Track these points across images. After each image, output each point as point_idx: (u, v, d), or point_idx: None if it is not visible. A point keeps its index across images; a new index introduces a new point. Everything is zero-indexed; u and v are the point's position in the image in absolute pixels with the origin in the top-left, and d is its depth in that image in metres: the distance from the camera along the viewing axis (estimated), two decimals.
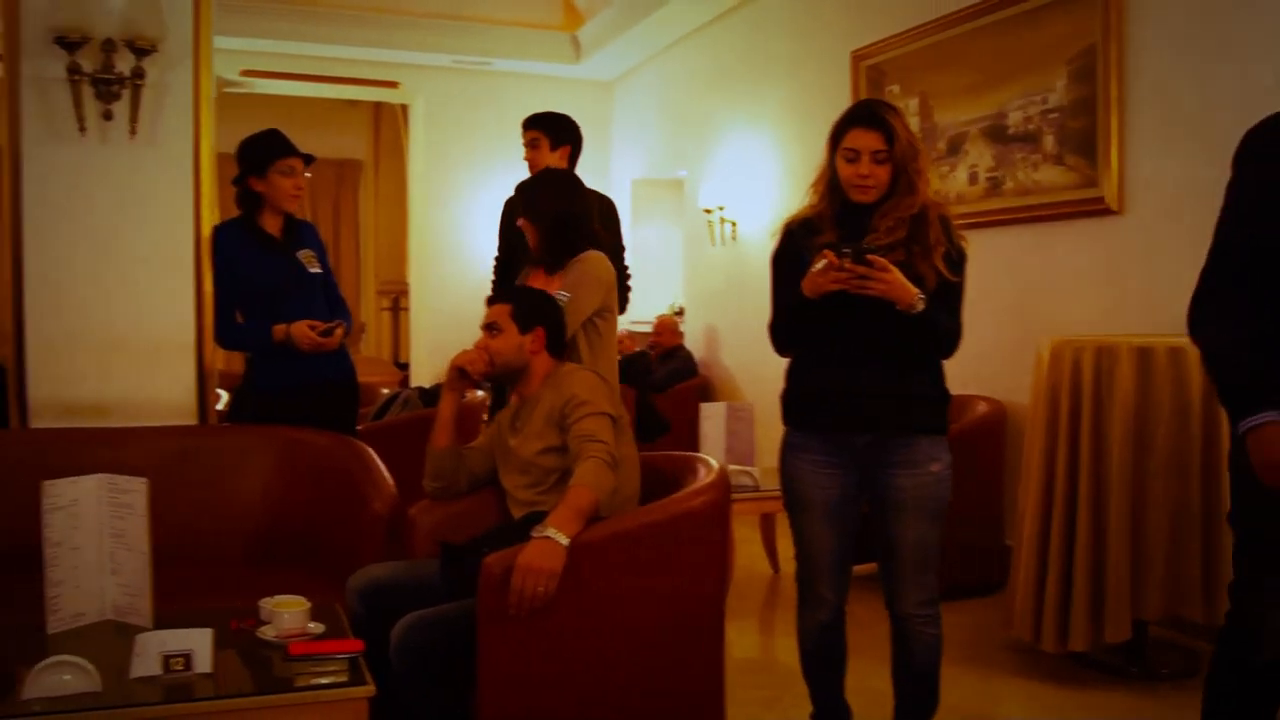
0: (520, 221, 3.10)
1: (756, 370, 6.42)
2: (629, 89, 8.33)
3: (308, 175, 3.46)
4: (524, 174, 3.64)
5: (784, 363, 2.63)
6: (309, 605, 2.29)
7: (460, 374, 2.77)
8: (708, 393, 6.79)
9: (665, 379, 6.80)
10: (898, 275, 2.31)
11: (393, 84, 7.57)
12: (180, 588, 2.45)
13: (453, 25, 7.27)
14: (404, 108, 8.20)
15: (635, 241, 7.17)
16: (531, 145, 3.98)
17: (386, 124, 9.07)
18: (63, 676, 1.95)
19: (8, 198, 3.27)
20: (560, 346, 2.77)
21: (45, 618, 2.29)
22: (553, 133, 4.00)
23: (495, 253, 4.05)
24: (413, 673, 2.25)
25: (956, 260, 2.44)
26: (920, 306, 2.33)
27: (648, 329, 7.32)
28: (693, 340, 7.31)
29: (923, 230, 2.41)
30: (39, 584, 2.55)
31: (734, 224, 6.75)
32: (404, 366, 8.96)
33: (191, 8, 3.32)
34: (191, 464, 3.18)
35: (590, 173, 3.79)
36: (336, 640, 2.19)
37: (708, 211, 6.92)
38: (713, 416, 4.37)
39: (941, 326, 2.41)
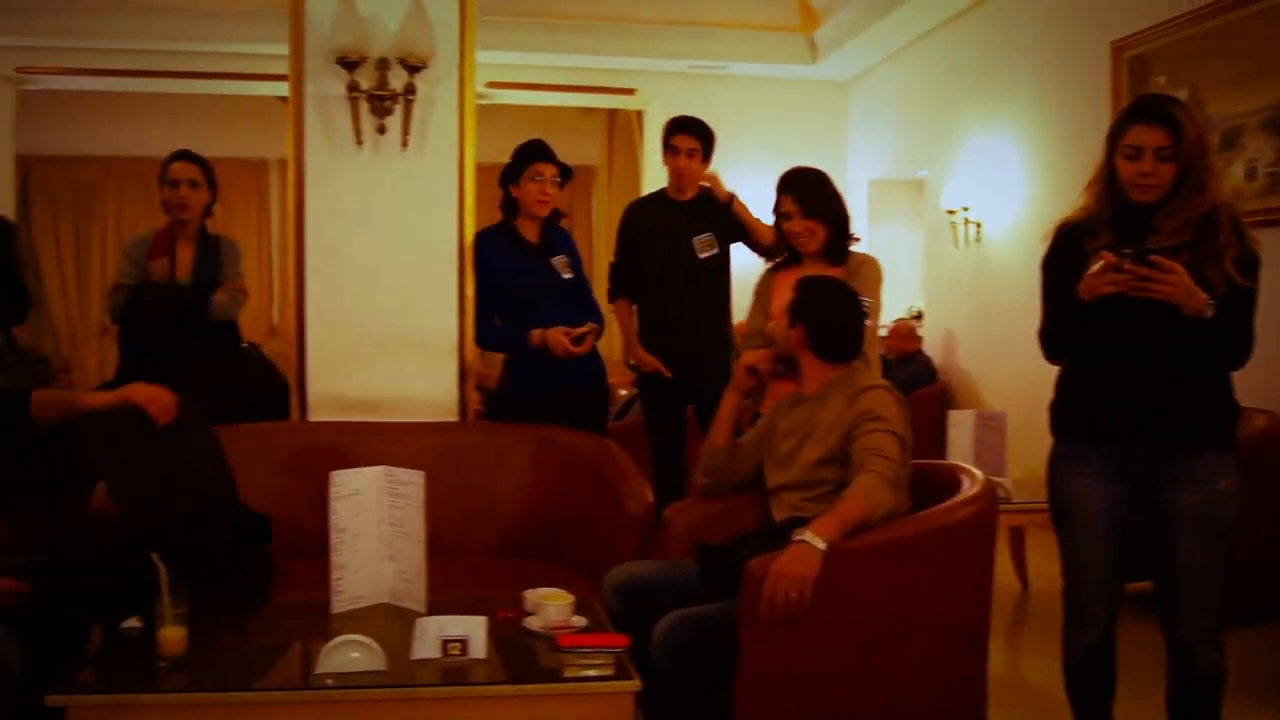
0: (797, 221, 3.10)
1: (999, 376, 6.19)
2: (866, 89, 8.18)
3: (558, 182, 3.57)
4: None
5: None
6: (573, 599, 2.36)
7: (750, 372, 2.81)
8: (948, 399, 6.58)
9: (902, 385, 6.62)
10: (1184, 277, 2.16)
11: (629, 91, 7.73)
12: (442, 576, 2.56)
13: (688, 31, 7.36)
14: (639, 114, 8.35)
15: (871, 243, 7.03)
16: (690, 154, 3.93)
17: (620, 130, 9.28)
18: (351, 654, 2.08)
19: (293, 207, 3.54)
20: (831, 350, 2.70)
21: (330, 598, 2.46)
22: (708, 146, 3.98)
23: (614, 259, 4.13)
24: (674, 671, 2.28)
25: (1249, 264, 2.27)
26: (1209, 312, 2.18)
27: (882, 333, 7.17)
28: (930, 345, 7.11)
29: (1211, 232, 2.24)
30: (310, 566, 2.76)
31: (978, 225, 6.52)
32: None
33: (458, 26, 3.50)
34: (453, 459, 3.33)
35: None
36: (603, 635, 2.25)
37: (950, 213, 6.71)
38: (961, 424, 4.23)
39: (1232, 334, 2.25)
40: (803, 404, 2.69)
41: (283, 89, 7.41)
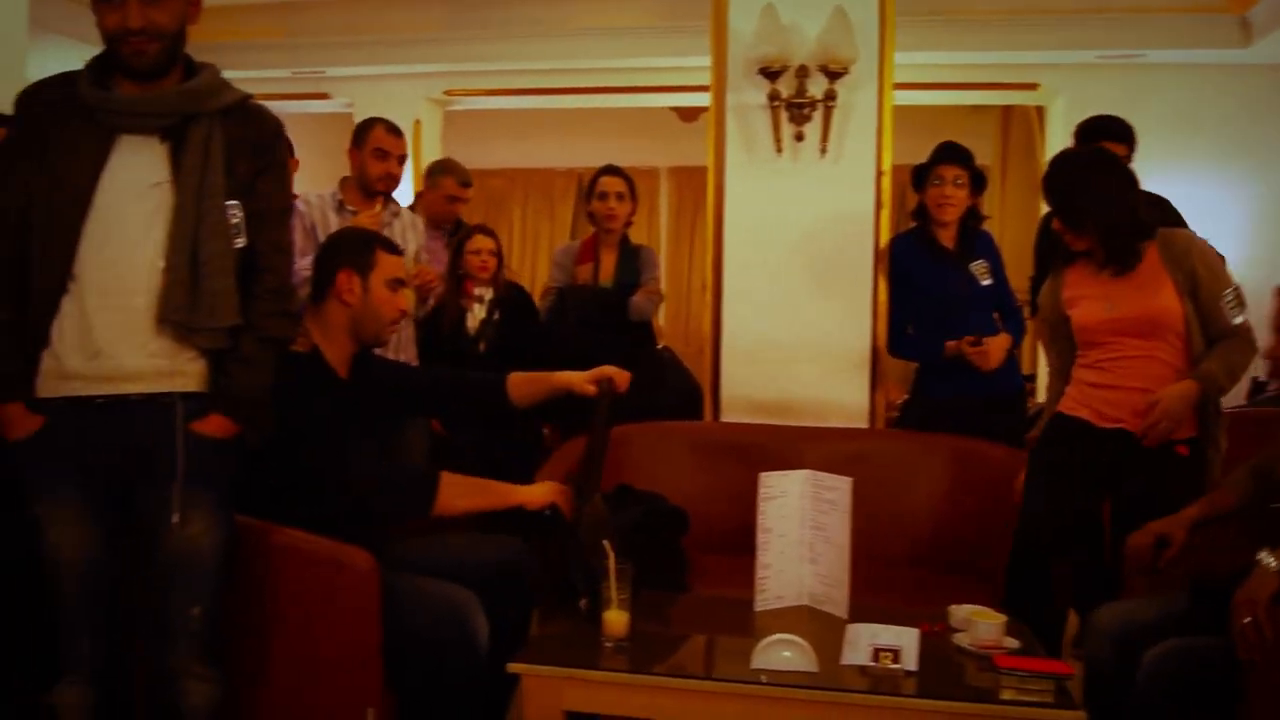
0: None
1: None
2: None
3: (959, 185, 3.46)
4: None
5: None
6: (1005, 619, 2.27)
7: None
8: None
9: None
10: None
11: (1031, 85, 7.35)
12: (854, 581, 2.52)
13: (1098, 19, 6.87)
14: (1039, 109, 7.93)
15: None
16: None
17: (1017, 127, 8.86)
18: (784, 653, 2.12)
19: (711, 214, 3.67)
20: None
21: (754, 595, 2.52)
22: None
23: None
24: (1162, 701, 2.13)
25: None
26: None
27: None
28: None
29: None
30: (718, 559, 2.88)
31: None
32: (1029, 379, 8.66)
33: (878, 30, 3.48)
34: (864, 466, 3.26)
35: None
36: (1045, 660, 2.15)
37: None
38: None
39: None
40: None
41: (680, 99, 7.73)
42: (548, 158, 9.68)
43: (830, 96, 3.43)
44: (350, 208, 3.57)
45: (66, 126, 2.02)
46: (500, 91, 7.83)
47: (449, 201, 4.39)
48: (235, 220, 2.06)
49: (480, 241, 3.85)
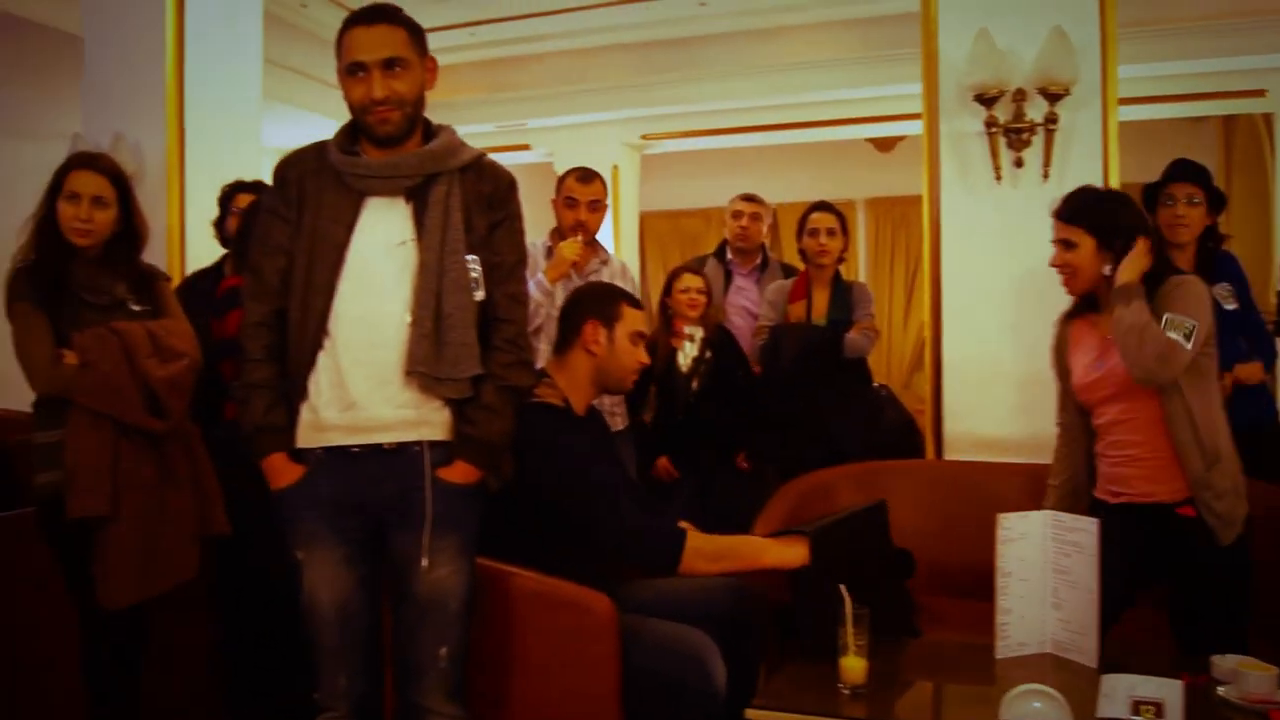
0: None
1: None
2: None
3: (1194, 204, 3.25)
4: None
5: None
6: (1276, 671, 2.10)
7: None
8: None
9: None
10: None
11: (1258, 92, 6.90)
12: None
13: None
14: (1266, 117, 7.43)
15: None
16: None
17: (1242, 137, 8.30)
18: (1034, 704, 2.01)
19: (928, 245, 3.59)
20: None
21: (994, 642, 2.41)
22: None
23: None
24: None
25: None
26: None
27: None
28: None
29: None
30: (944, 602, 2.79)
31: None
32: None
33: (1099, 48, 3.35)
34: None
35: None
36: None
37: None
38: None
39: None
40: None
41: (878, 130, 7.62)
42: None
43: (1050, 119, 3.31)
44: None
45: (321, 191, 2.16)
46: (695, 133, 7.94)
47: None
48: (475, 274, 2.15)
49: (688, 280, 3.88)
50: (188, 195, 4.25)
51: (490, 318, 2.20)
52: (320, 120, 7.23)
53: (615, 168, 7.59)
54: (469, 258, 2.14)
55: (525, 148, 8.01)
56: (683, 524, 2.56)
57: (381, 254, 2.14)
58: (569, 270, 3.56)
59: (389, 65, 2.11)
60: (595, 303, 2.67)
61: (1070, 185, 3.34)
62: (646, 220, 9.45)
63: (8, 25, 6.13)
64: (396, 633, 2.19)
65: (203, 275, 3.62)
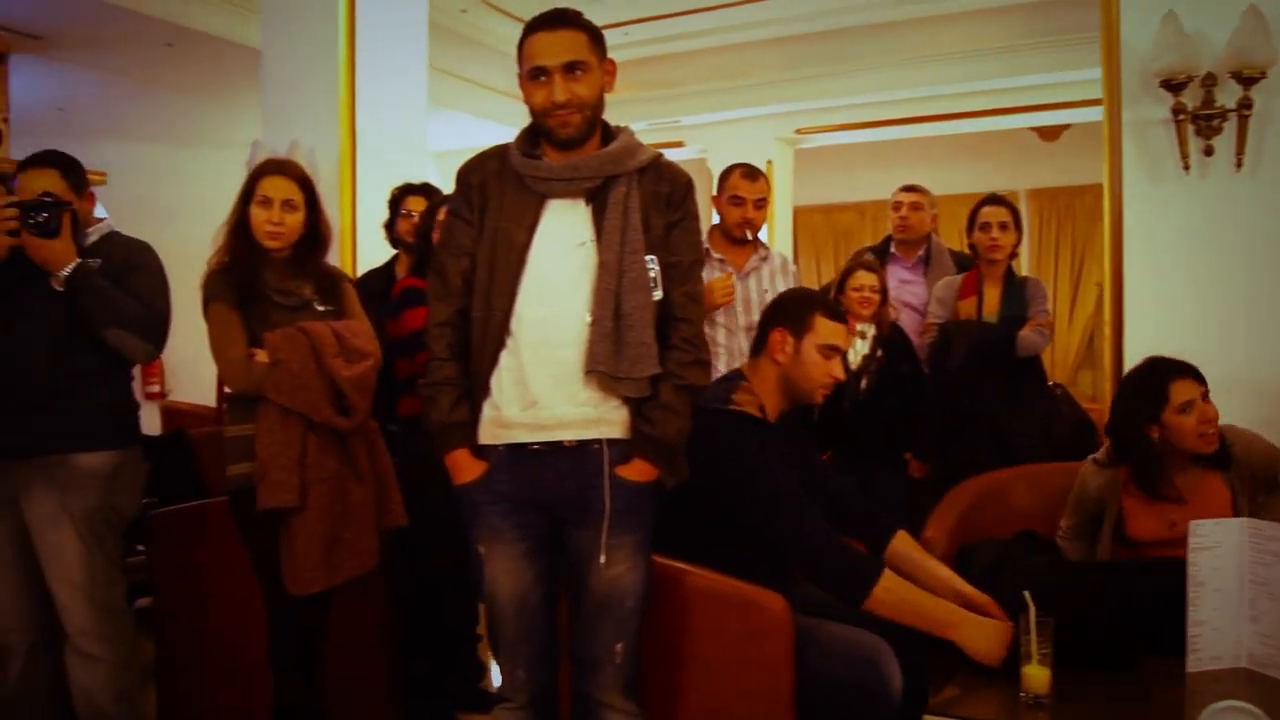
0: None
1: None
2: None
3: None
4: None
5: None
6: None
7: None
8: None
9: None
10: None
11: None
12: None
13: None
14: None
15: None
16: None
17: None
18: None
19: (1109, 239, 3.44)
20: None
21: (1185, 655, 2.30)
22: None
23: None
24: None
25: None
26: None
27: None
28: None
29: None
30: None
31: None
32: None
33: None
34: None
35: None
36: None
37: None
38: None
39: None
40: None
41: (1042, 119, 7.35)
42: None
43: (1245, 105, 3.13)
44: (716, 254, 3.65)
45: (502, 194, 2.21)
46: (850, 126, 7.83)
47: None
48: (653, 274, 2.16)
49: (862, 278, 3.81)
50: (358, 198, 4.41)
51: (668, 317, 2.21)
52: (480, 124, 7.42)
53: (769, 163, 7.55)
54: (647, 258, 2.16)
55: (679, 145, 8.04)
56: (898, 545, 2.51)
57: (562, 255, 2.17)
58: (717, 307, 3.53)
59: (570, 69, 2.13)
60: (788, 311, 2.61)
61: (1267, 175, 3.20)
62: (799, 215, 9.36)
63: (191, 41, 6.47)
64: (573, 628, 2.23)
65: (373, 276, 3.75)
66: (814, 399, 2.62)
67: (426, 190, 3.80)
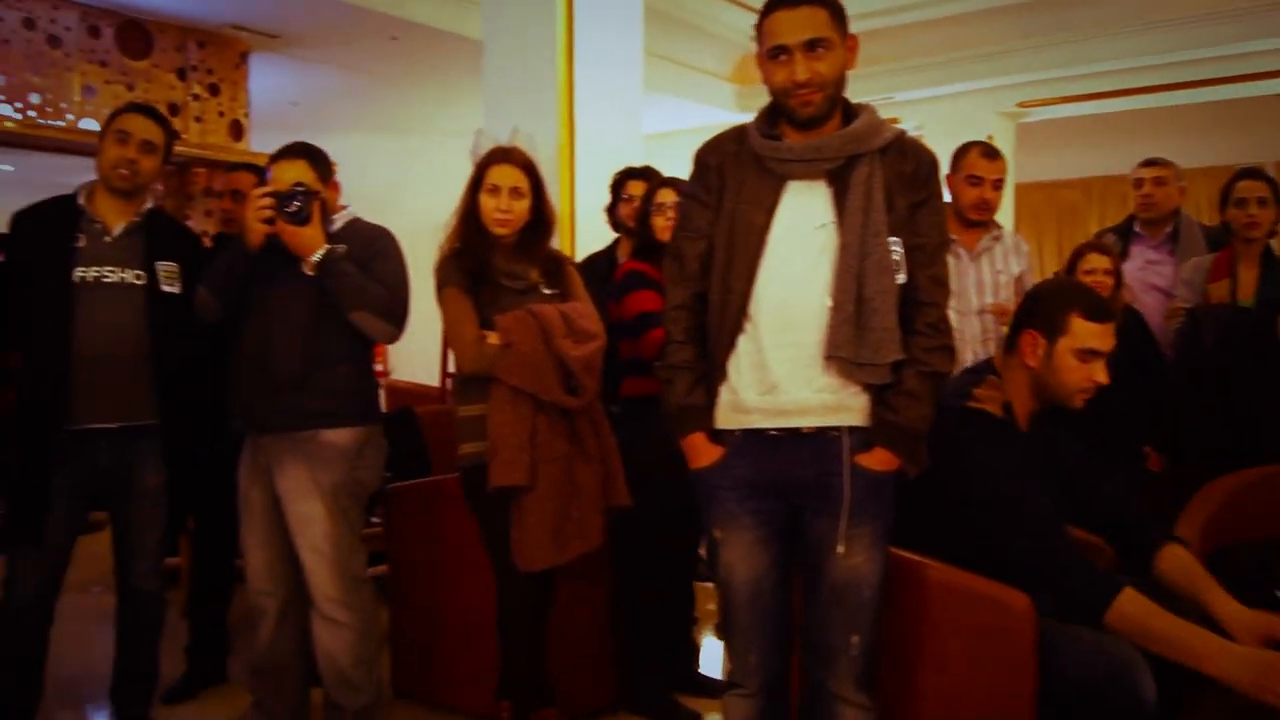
0: None
1: None
2: None
3: None
4: None
5: None
6: None
7: None
8: None
9: None
10: None
11: None
12: None
13: None
14: None
15: None
16: None
17: None
18: None
19: None
20: None
21: None
22: None
23: None
24: None
25: None
26: None
27: None
28: None
29: None
30: None
31: None
32: None
33: None
34: None
35: None
36: None
37: None
38: None
39: None
40: None
41: None
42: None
43: None
44: (951, 236, 3.50)
45: (741, 176, 2.17)
46: (1077, 98, 7.43)
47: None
48: (896, 257, 2.09)
49: (1094, 260, 3.58)
50: (577, 182, 4.47)
51: (911, 301, 2.12)
52: (688, 106, 7.43)
53: (989, 138, 7.24)
54: (891, 240, 2.08)
55: (894, 121, 7.80)
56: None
57: (802, 237, 2.12)
58: None
59: (811, 46, 2.07)
60: (1041, 309, 2.43)
61: None
62: (1020, 192, 8.97)
63: (414, 34, 6.74)
64: (809, 617, 2.19)
65: (596, 259, 3.79)
66: (1072, 404, 2.42)
67: (646, 174, 3.82)
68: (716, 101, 7.49)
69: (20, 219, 3.02)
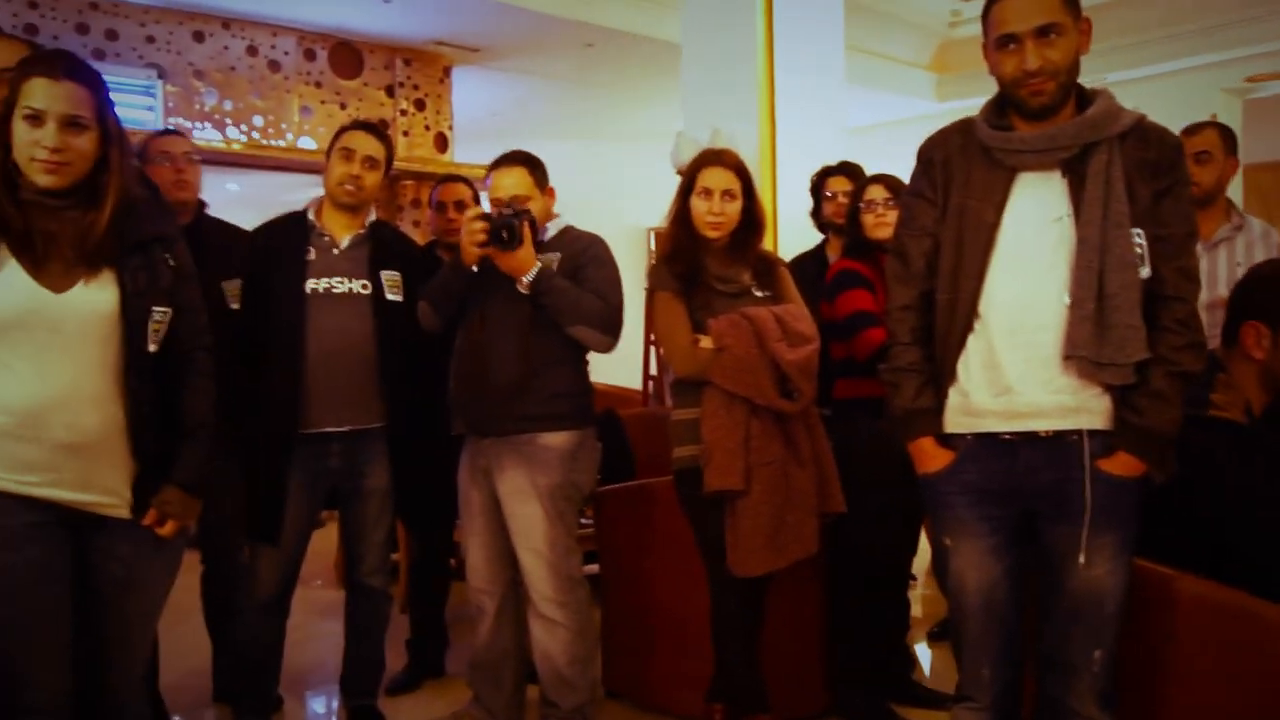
0: None
1: None
2: None
3: None
4: None
5: None
6: None
7: None
8: None
9: None
10: None
11: None
12: None
13: None
14: None
15: None
16: None
17: None
18: None
19: None
20: None
21: None
22: None
23: None
24: None
25: None
26: None
27: None
28: None
29: None
30: None
31: None
32: None
33: None
34: None
35: None
36: None
37: None
38: None
39: None
40: None
41: None
42: None
43: None
44: None
45: (968, 170, 2.10)
46: None
47: None
48: (1139, 249, 1.97)
49: None
50: (779, 183, 4.43)
51: (1157, 295, 2.00)
52: (889, 97, 7.26)
53: (1213, 116, 6.78)
54: (1134, 231, 1.96)
55: None
56: None
57: (1035, 232, 2.03)
58: None
59: (1043, 33, 1.99)
60: (1261, 298, 2.23)
61: None
62: (1248, 174, 8.36)
63: (609, 40, 6.85)
64: (1046, 629, 2.09)
65: (805, 259, 3.75)
66: None
67: (846, 169, 3.75)
68: (916, 92, 7.27)
69: (256, 235, 3.21)
